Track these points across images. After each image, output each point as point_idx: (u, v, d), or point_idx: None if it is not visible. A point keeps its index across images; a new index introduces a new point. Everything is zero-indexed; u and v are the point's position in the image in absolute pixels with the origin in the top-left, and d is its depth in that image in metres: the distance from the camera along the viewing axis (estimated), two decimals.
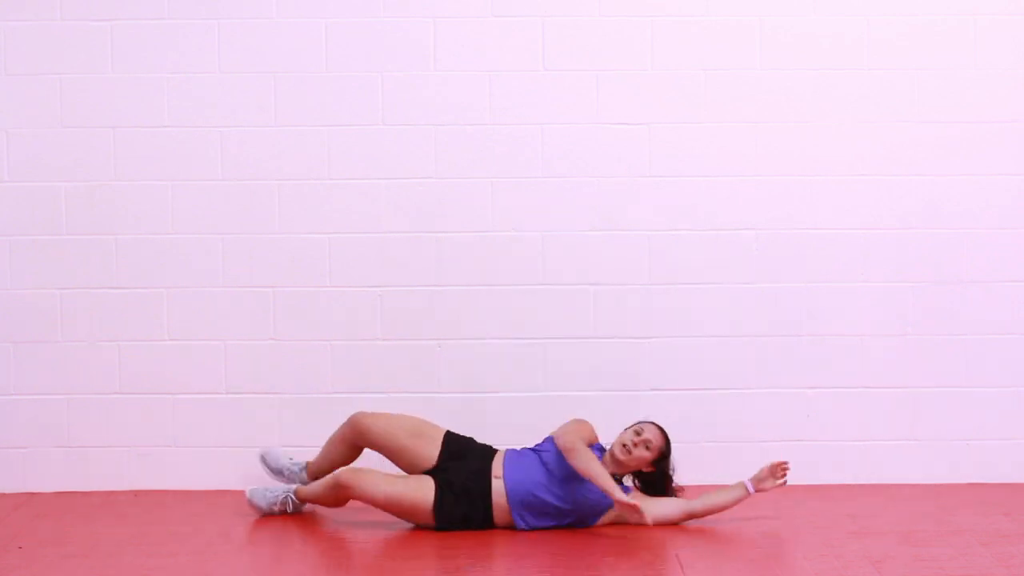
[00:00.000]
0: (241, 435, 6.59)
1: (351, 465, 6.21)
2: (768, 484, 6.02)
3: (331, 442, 6.27)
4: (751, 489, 6.01)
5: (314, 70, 6.59)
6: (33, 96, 6.57)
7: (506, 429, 6.58)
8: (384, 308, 6.63)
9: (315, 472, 6.30)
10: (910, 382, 6.66)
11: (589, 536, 5.87)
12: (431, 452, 6.09)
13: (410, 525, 6.05)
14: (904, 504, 6.32)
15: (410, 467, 6.10)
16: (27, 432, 6.63)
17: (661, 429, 6.05)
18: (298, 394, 6.63)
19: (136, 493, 6.62)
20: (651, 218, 6.63)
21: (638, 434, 6.00)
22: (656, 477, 6.05)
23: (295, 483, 6.31)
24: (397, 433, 6.13)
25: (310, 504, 6.26)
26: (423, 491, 5.96)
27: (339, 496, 6.06)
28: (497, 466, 6.02)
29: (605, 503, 5.93)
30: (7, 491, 6.62)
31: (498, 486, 5.96)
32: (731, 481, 6.38)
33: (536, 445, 6.12)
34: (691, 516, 6.01)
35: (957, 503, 6.33)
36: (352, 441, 6.20)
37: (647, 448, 6.00)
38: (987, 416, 6.66)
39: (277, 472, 6.36)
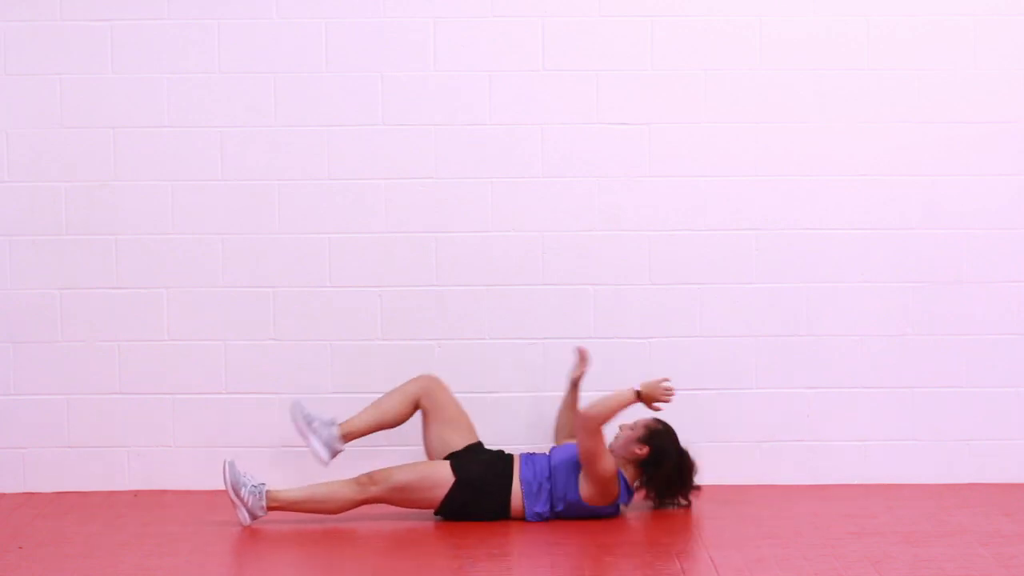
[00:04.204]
0: (241, 435, 6.59)
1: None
2: (657, 391, 6.02)
3: (388, 397, 6.31)
4: (638, 388, 6.00)
5: (314, 70, 6.59)
6: (33, 96, 6.57)
7: (506, 429, 6.58)
8: (384, 308, 6.63)
9: (349, 432, 6.23)
10: (910, 382, 6.66)
11: (590, 536, 5.88)
12: (464, 440, 6.26)
13: (409, 522, 6.06)
14: (904, 504, 6.32)
15: (441, 443, 6.25)
16: (27, 432, 6.63)
17: (656, 419, 6.11)
18: (298, 394, 6.62)
19: (136, 493, 6.62)
20: (651, 218, 6.63)
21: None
22: (651, 460, 6.05)
23: (324, 441, 6.19)
24: (455, 406, 6.31)
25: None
26: (443, 474, 6.05)
27: (354, 496, 6.04)
28: (517, 463, 6.13)
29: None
30: (7, 491, 6.62)
31: (516, 481, 6.07)
32: (732, 483, 6.43)
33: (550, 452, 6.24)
34: (585, 420, 5.98)
35: (957, 503, 6.33)
36: (415, 396, 6.27)
37: (631, 428, 6.06)
38: (987, 416, 6.66)
39: (308, 423, 6.23)
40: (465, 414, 6.34)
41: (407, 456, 6.33)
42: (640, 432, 6.09)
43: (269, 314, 6.63)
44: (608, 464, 5.98)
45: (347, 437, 6.24)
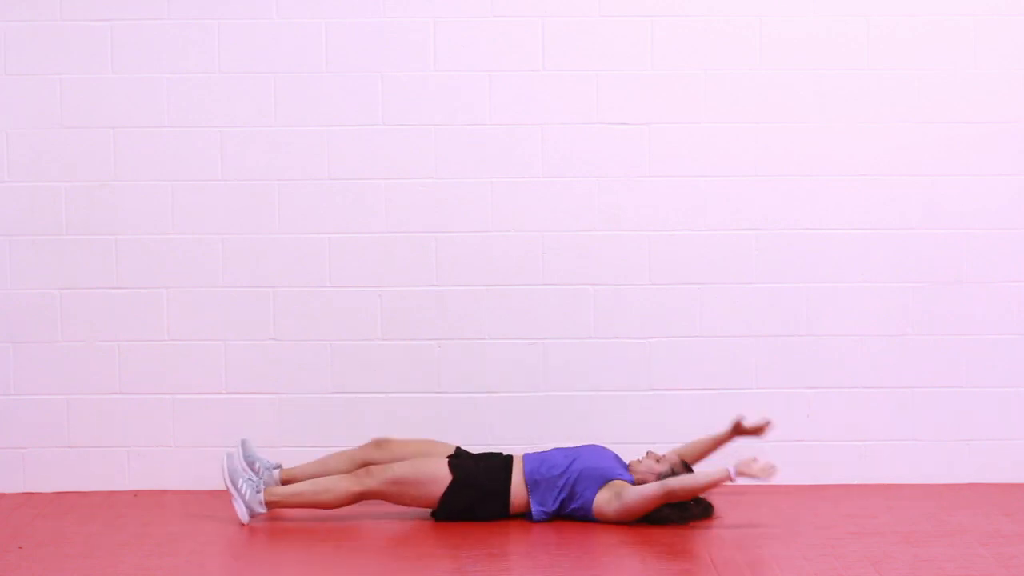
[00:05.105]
0: (241, 435, 6.58)
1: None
2: (752, 470, 5.89)
3: (334, 457, 6.31)
4: (733, 474, 5.89)
5: (314, 70, 6.59)
6: (33, 96, 6.57)
7: (506, 429, 6.58)
8: (384, 308, 6.63)
9: (290, 478, 6.28)
10: (910, 382, 6.66)
11: (591, 536, 5.88)
12: (442, 452, 6.24)
13: (409, 522, 6.06)
14: (904, 504, 6.33)
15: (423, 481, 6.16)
16: (27, 432, 6.63)
17: (683, 462, 6.10)
18: (298, 394, 6.63)
19: (136, 493, 6.62)
20: (651, 218, 6.63)
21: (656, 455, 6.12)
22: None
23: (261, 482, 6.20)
24: (411, 445, 6.28)
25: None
26: (441, 472, 6.07)
27: (352, 488, 6.07)
28: (518, 462, 6.13)
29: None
30: (7, 491, 6.62)
31: (518, 478, 6.06)
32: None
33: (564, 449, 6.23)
34: (670, 495, 5.92)
35: (957, 503, 6.33)
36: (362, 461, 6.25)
37: (656, 461, 6.05)
38: (987, 416, 6.66)
39: (249, 463, 6.27)
40: (425, 441, 6.32)
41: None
42: (664, 468, 6.07)
43: (269, 314, 6.63)
44: (639, 514, 5.98)
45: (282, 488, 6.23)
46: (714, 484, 5.93)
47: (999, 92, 6.61)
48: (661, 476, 6.03)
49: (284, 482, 6.29)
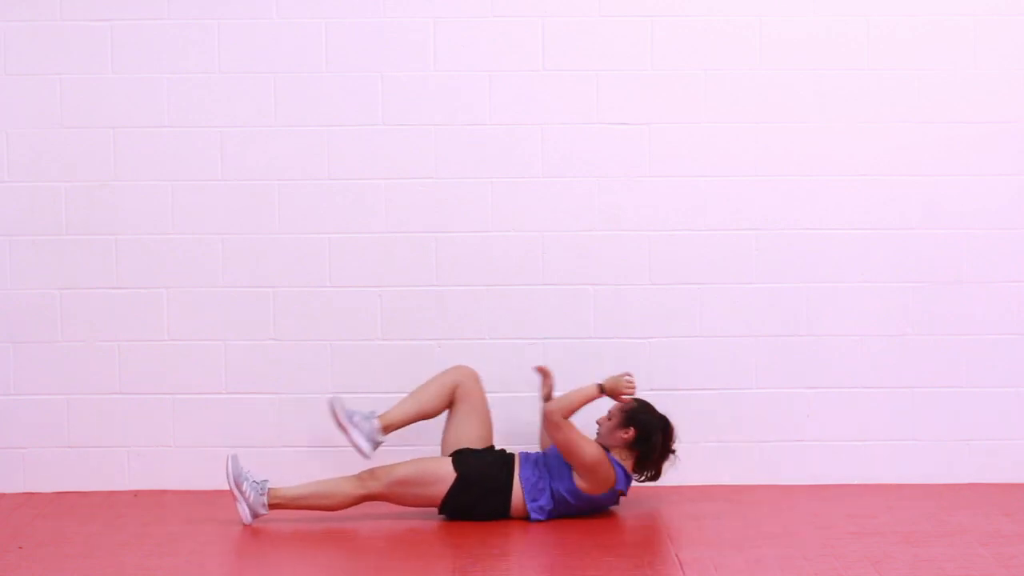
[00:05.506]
0: (241, 435, 6.59)
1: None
2: (620, 387, 6.09)
3: (426, 387, 6.32)
4: (600, 391, 6.10)
5: (314, 70, 6.59)
6: (33, 96, 6.57)
7: (506, 429, 6.57)
8: (384, 308, 6.63)
9: (390, 423, 6.25)
10: (910, 382, 6.66)
11: (590, 536, 5.88)
12: (479, 441, 6.28)
13: (409, 522, 6.07)
14: (904, 504, 6.33)
15: (455, 437, 6.28)
16: (27, 432, 6.63)
17: (636, 400, 6.16)
18: (298, 394, 6.63)
19: (136, 493, 6.62)
20: (651, 218, 6.63)
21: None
22: (641, 436, 6.11)
23: (366, 434, 6.21)
24: (483, 404, 6.36)
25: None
26: (444, 470, 6.08)
27: (356, 491, 6.08)
28: (516, 461, 6.17)
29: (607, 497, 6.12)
30: (7, 491, 6.62)
31: (516, 478, 6.10)
32: (732, 483, 6.44)
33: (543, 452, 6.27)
34: (547, 415, 6.07)
35: (957, 503, 6.33)
36: (452, 387, 6.29)
37: (609, 418, 6.16)
38: (987, 416, 6.66)
39: (349, 418, 6.23)
40: (489, 416, 6.35)
41: (408, 455, 6.32)
42: (619, 417, 6.14)
43: (269, 314, 6.63)
44: (590, 449, 6.03)
45: (388, 429, 6.25)
46: (586, 399, 6.08)
47: (999, 92, 6.61)
48: (622, 425, 6.11)
49: (386, 428, 6.22)
